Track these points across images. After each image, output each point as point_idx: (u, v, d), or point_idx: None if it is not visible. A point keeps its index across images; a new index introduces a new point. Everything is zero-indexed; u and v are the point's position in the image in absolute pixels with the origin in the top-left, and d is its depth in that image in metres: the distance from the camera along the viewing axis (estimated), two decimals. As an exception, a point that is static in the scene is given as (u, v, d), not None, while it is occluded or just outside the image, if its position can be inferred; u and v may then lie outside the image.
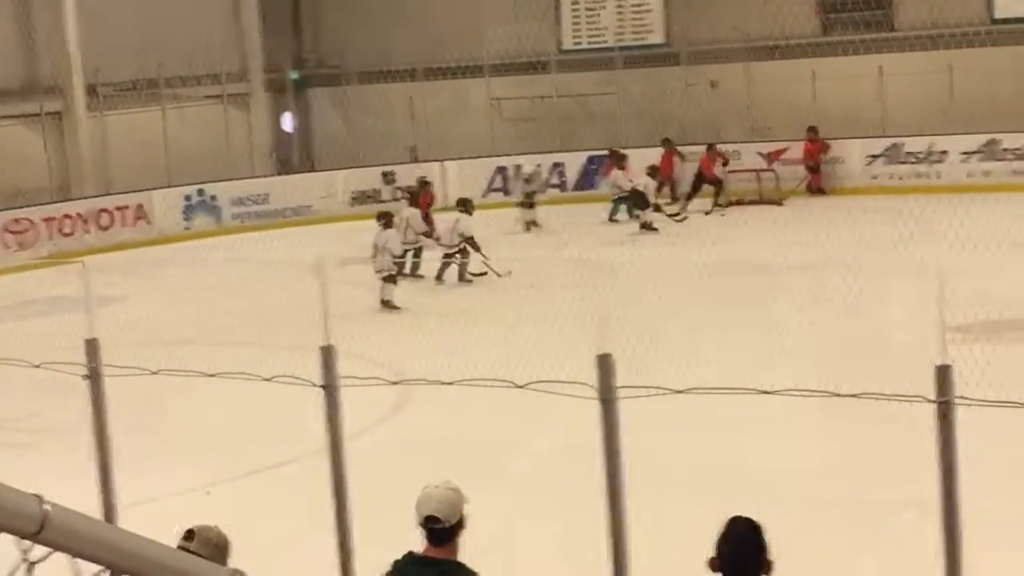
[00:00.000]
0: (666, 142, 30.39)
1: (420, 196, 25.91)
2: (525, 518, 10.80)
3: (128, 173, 30.62)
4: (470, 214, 23.32)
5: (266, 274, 21.69)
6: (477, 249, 22.72)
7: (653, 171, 28.04)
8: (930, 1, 30.37)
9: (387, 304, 20.46)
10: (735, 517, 5.06)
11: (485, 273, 22.45)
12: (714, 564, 4.95)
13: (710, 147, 29.69)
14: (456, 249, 22.73)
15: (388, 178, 32.18)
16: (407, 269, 22.66)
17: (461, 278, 22.59)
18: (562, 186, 32.31)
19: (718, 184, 29.26)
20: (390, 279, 20.74)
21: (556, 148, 32.62)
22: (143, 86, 32.34)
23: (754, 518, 5.04)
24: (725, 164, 29.70)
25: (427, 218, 24.75)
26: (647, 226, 26.65)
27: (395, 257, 21.23)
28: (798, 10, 31.95)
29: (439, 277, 22.61)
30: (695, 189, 29.39)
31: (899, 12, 31.42)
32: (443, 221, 24.06)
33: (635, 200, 27.34)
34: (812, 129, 29.81)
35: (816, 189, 29.75)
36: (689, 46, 32.63)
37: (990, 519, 9.04)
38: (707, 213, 28.27)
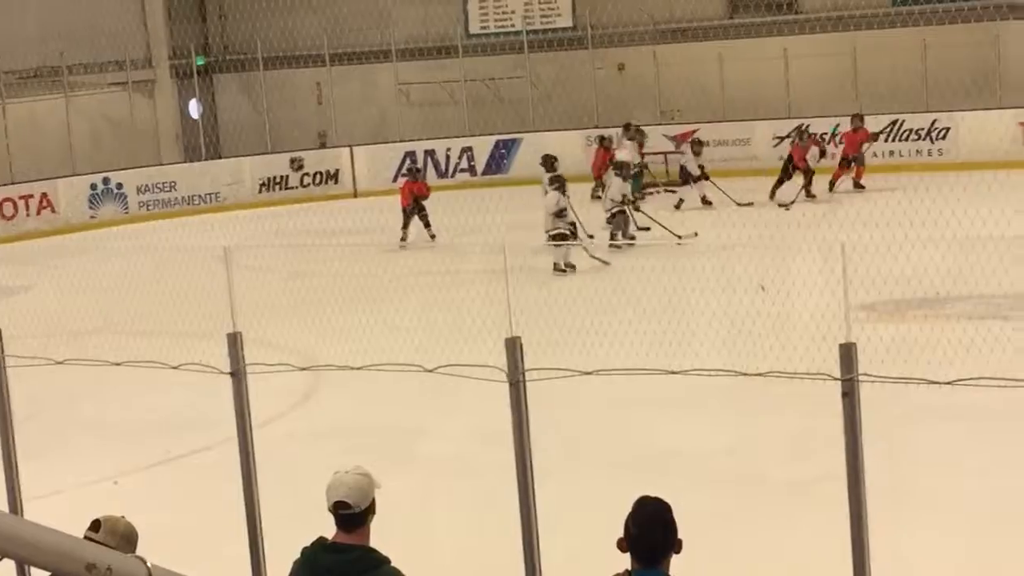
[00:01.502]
0: (627, 128, 28.89)
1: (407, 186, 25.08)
2: (436, 501, 10.81)
3: (32, 162, 30.18)
4: (625, 179, 23.20)
5: (174, 262, 21.50)
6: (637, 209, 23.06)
7: (696, 145, 27.22)
8: (834, -16, 30.77)
9: (566, 266, 20.46)
10: (643, 497, 5.08)
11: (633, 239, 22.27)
12: (623, 544, 4.96)
13: (801, 132, 27.11)
14: (615, 212, 22.54)
15: (296, 164, 32.03)
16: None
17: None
18: (471, 171, 32.33)
19: (808, 174, 26.16)
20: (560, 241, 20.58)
21: (465, 133, 32.63)
22: (46, 74, 31.92)
23: (663, 497, 5.06)
24: (823, 155, 26.73)
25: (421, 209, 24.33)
26: (705, 201, 26.13)
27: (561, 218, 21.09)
28: (704, -7, 32.23)
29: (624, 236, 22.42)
30: (785, 175, 26.37)
31: (804, -6, 31.76)
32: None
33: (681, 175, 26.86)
34: (858, 117, 27.39)
35: (857, 184, 26.92)
36: (597, 29, 32.73)
37: (895, 493, 9.17)
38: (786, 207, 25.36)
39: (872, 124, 28.48)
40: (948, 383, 6.64)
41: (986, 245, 18.25)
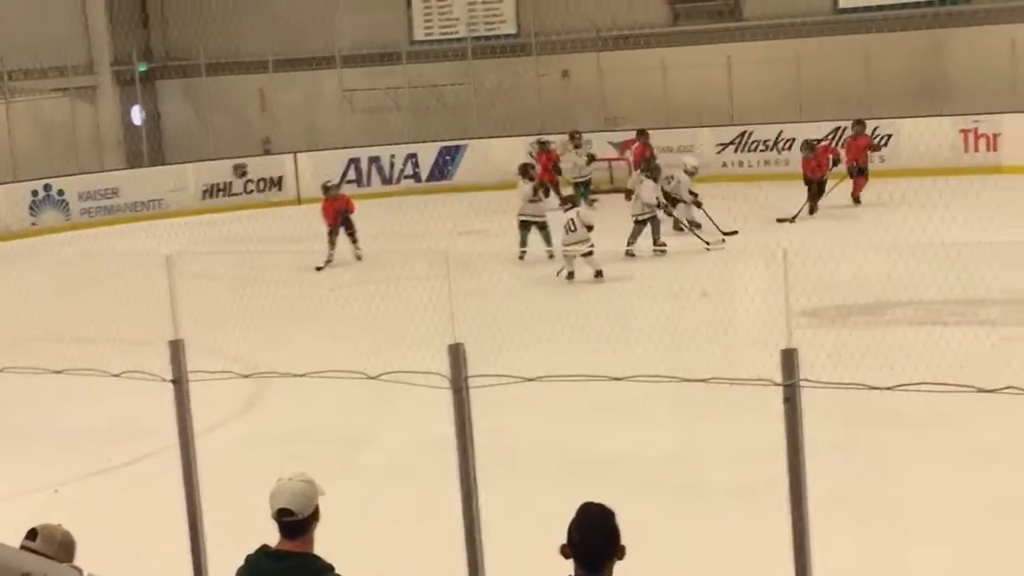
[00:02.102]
0: (641, 134, 28.28)
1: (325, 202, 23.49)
2: (380, 508, 10.78)
3: (-29, 169, 29.95)
4: (656, 180, 22.37)
5: (116, 269, 21.36)
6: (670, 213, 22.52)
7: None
8: (777, -9, 31.01)
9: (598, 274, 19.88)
10: (587, 503, 5.09)
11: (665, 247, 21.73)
12: (566, 551, 4.97)
13: (810, 145, 25.19)
14: (646, 218, 21.80)
15: (239, 171, 31.91)
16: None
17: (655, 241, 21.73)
18: (416, 177, 32.32)
19: (820, 188, 24.69)
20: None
21: (409, 139, 32.63)
22: (-15, 79, 31.68)
23: (607, 504, 5.07)
24: (836, 162, 25.29)
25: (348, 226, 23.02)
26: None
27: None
28: (648, 0, 32.36)
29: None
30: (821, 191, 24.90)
31: (747, 2, 32.00)
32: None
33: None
34: (859, 122, 26.04)
35: (855, 197, 25.46)
36: (540, 36, 32.80)
37: (837, 499, 9.23)
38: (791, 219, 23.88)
39: (814, 131, 28.64)
40: (888, 388, 6.69)
41: (926, 251, 18.39)
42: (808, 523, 6.13)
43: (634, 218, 21.87)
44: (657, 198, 22.00)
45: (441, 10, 34.71)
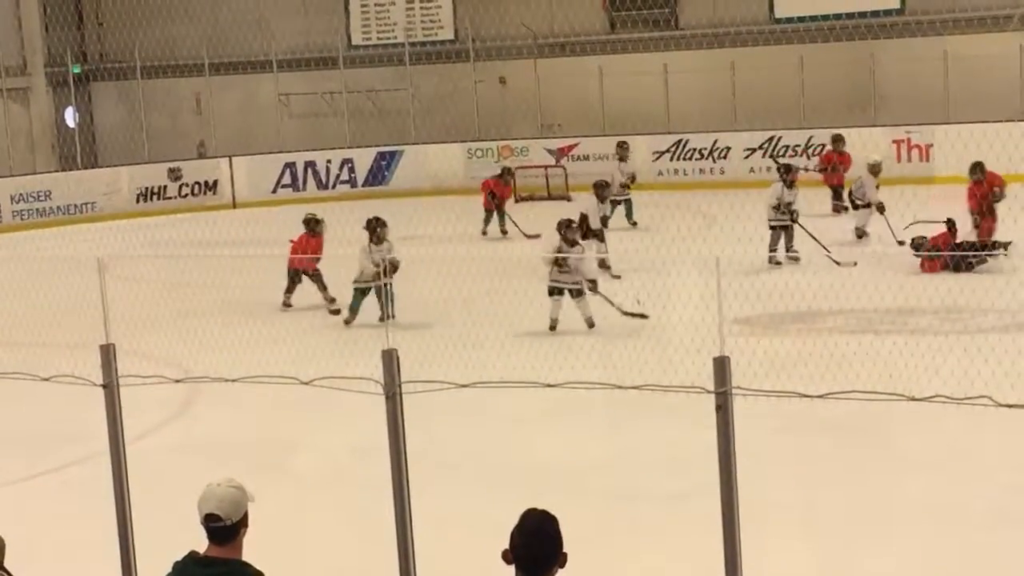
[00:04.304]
0: (836, 140, 26.36)
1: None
2: (312, 515, 10.73)
3: (-98, 169, 29.66)
4: (790, 187, 20.20)
5: (48, 272, 21.18)
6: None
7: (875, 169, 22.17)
8: (713, 0, 31.16)
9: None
10: (529, 509, 5.07)
11: None
12: (508, 556, 4.96)
13: (980, 167, 20.03)
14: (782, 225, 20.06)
15: (174, 174, 31.72)
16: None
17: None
18: (352, 182, 32.24)
19: (992, 218, 19.85)
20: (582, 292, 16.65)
21: (345, 144, 32.57)
22: (-83, 80, 31.40)
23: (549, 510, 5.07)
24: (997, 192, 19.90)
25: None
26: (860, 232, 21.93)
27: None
28: (586, 7, 32.47)
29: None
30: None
31: (684, 10, 32.14)
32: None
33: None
34: (978, 167, 20.00)
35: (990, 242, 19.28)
36: (478, 43, 32.84)
37: (768, 506, 9.27)
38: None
39: (749, 140, 28.82)
40: (820, 396, 6.73)
41: (859, 260, 18.54)
42: (740, 529, 6.16)
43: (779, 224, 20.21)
44: (778, 201, 20.12)
45: (379, 15, 34.67)
